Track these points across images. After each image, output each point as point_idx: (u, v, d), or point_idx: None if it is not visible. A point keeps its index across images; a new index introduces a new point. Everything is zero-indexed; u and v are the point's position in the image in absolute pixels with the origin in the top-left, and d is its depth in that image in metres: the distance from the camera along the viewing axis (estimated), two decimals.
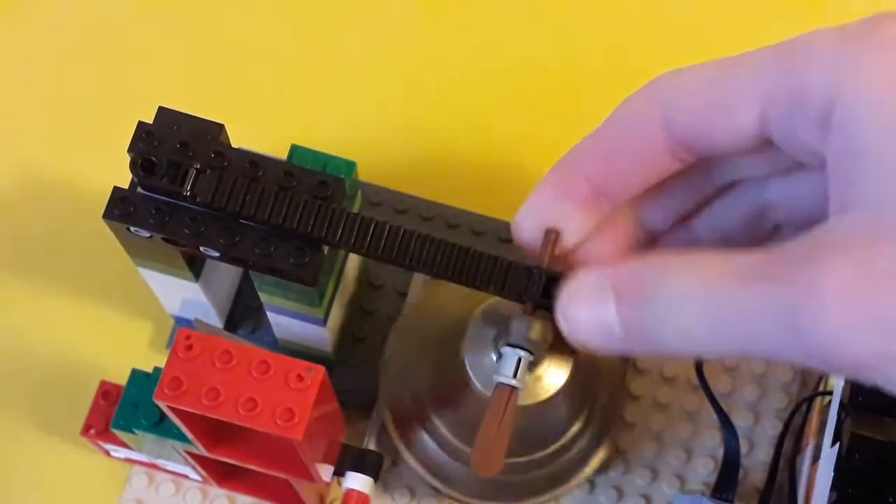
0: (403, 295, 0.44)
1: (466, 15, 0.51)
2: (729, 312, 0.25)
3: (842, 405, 0.37)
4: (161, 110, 0.35)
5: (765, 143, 0.27)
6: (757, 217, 0.31)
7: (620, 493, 0.43)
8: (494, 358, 0.35)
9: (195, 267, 0.38)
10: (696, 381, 0.43)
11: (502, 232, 0.45)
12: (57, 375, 0.45)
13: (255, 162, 0.34)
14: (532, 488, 0.40)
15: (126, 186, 0.34)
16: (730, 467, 0.41)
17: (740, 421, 0.43)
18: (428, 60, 0.50)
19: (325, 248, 0.34)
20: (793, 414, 0.43)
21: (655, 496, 0.43)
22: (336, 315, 0.41)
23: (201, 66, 0.50)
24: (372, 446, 0.40)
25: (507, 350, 0.31)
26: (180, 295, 0.41)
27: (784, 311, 0.24)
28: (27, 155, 0.48)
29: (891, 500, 0.35)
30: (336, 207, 0.33)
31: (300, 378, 0.33)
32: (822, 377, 0.42)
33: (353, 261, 0.42)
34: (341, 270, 0.40)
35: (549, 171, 0.29)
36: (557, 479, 0.41)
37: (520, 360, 0.31)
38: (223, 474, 0.41)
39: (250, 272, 0.35)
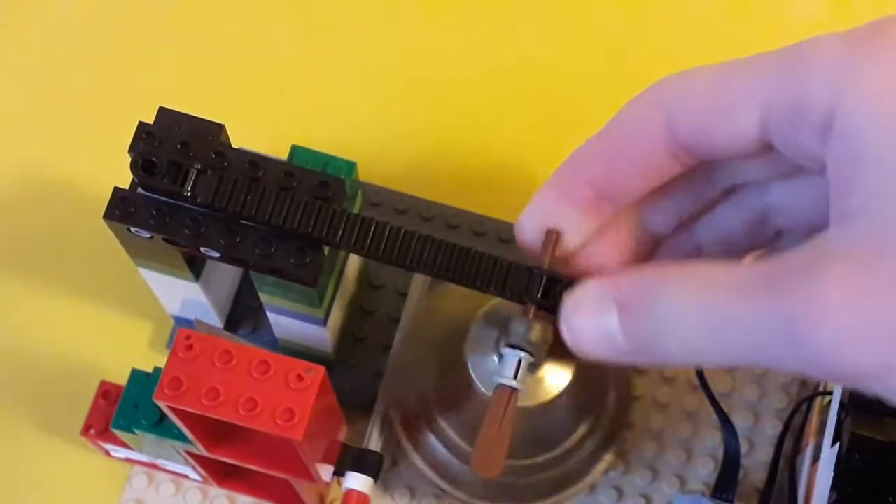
0: (403, 295, 0.44)
1: (466, 15, 0.51)
2: (729, 325, 0.25)
3: (842, 405, 0.37)
4: (161, 110, 0.35)
5: (766, 147, 0.27)
6: (758, 222, 0.31)
7: (620, 493, 0.43)
8: (496, 359, 0.35)
9: (195, 267, 0.38)
10: (696, 381, 0.43)
11: (502, 232, 0.45)
12: (57, 375, 0.45)
13: (255, 162, 0.34)
14: (538, 491, 0.40)
15: (126, 187, 0.34)
16: (730, 467, 0.41)
17: (740, 421, 0.43)
18: (428, 60, 0.50)
19: (326, 249, 0.34)
20: (793, 414, 0.43)
21: (655, 496, 0.43)
22: (336, 315, 0.41)
23: (201, 67, 0.50)
24: (372, 446, 0.40)
25: (507, 351, 0.31)
26: (180, 295, 0.41)
27: (784, 322, 0.24)
28: (27, 155, 0.48)
29: (891, 500, 0.35)
30: (337, 208, 0.33)
31: (300, 378, 0.33)
32: None
33: (354, 261, 0.42)
34: (341, 271, 0.40)
35: (552, 173, 0.29)
36: (563, 483, 0.41)
37: (520, 361, 0.31)
38: (223, 474, 0.41)
39: (250, 272, 0.35)
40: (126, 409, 0.37)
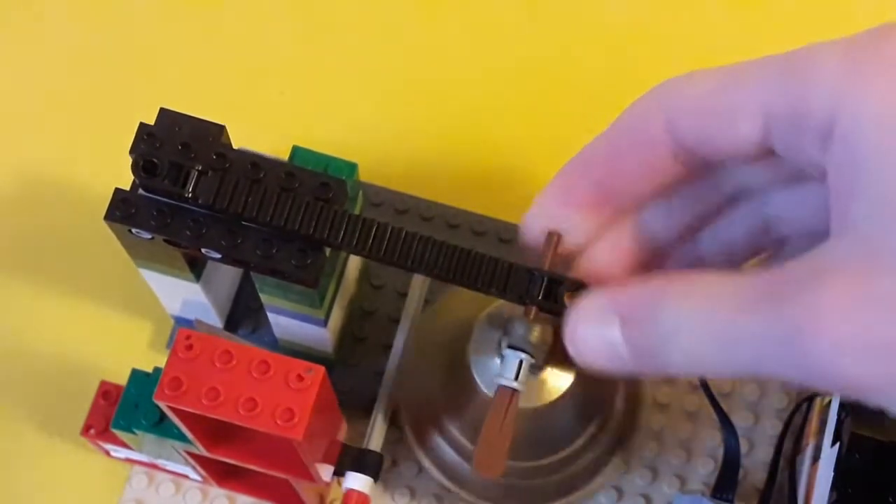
0: (403, 295, 0.44)
1: (467, 15, 0.51)
2: (731, 337, 0.25)
3: (842, 405, 0.37)
4: (162, 111, 0.35)
5: (767, 151, 0.27)
6: (761, 231, 0.31)
7: (620, 493, 0.43)
8: (499, 361, 0.35)
9: (196, 268, 0.38)
10: (696, 381, 0.43)
11: (503, 232, 0.45)
12: (57, 375, 0.45)
13: (256, 163, 0.34)
14: (545, 494, 0.40)
15: (127, 188, 0.34)
16: (730, 467, 0.41)
17: (740, 421, 0.43)
18: (428, 61, 0.50)
19: (327, 250, 0.34)
20: (793, 414, 0.43)
21: (655, 496, 0.43)
22: (337, 315, 0.41)
23: (202, 67, 0.50)
24: (373, 446, 0.40)
25: (508, 352, 0.31)
26: (181, 295, 0.41)
27: (785, 335, 0.24)
28: (28, 155, 0.48)
29: (891, 500, 0.35)
30: (338, 209, 0.33)
31: (300, 378, 0.33)
32: None
33: (354, 262, 0.42)
34: (342, 271, 0.40)
35: (555, 174, 0.29)
36: (571, 486, 0.40)
37: (521, 362, 0.31)
38: (223, 474, 0.41)
39: (251, 273, 0.35)
40: (126, 409, 0.37)
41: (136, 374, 0.37)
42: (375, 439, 0.41)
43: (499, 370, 0.32)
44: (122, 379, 0.38)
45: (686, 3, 0.51)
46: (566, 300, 0.30)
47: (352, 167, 0.39)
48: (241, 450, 0.37)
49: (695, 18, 0.51)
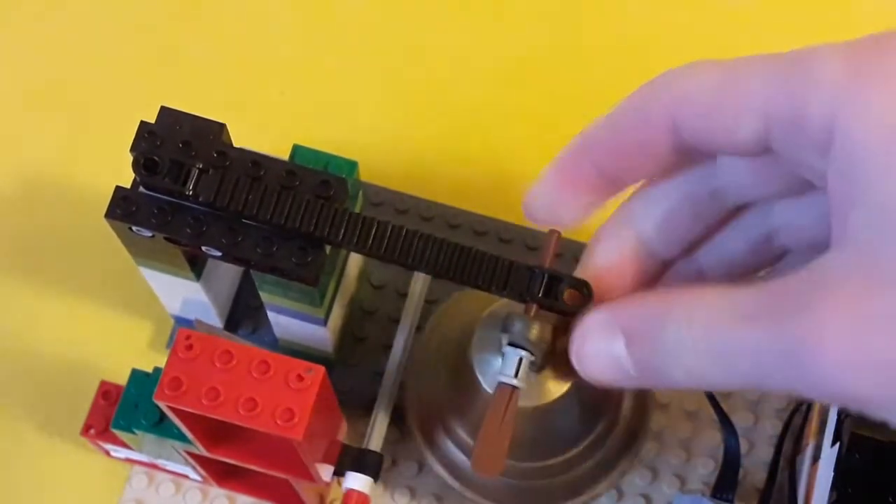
0: (404, 295, 0.44)
1: (467, 15, 0.51)
2: (733, 352, 0.26)
3: None
4: (163, 110, 0.35)
5: (767, 150, 0.27)
6: (763, 242, 0.31)
7: (620, 493, 0.43)
8: (501, 360, 0.35)
9: (197, 266, 0.38)
10: None
11: (503, 232, 0.45)
12: (57, 375, 0.45)
13: (257, 161, 0.34)
14: (552, 495, 0.40)
15: (128, 186, 0.34)
16: (730, 467, 0.41)
17: (740, 421, 0.43)
18: (429, 60, 0.50)
19: (327, 248, 0.34)
20: (793, 414, 0.43)
21: (655, 496, 0.43)
22: (337, 315, 0.41)
23: (202, 66, 0.50)
24: (373, 446, 0.40)
25: (508, 350, 0.31)
26: (181, 294, 0.41)
27: (786, 351, 0.25)
28: (28, 155, 0.48)
29: (891, 500, 0.35)
30: (338, 207, 0.33)
31: (300, 378, 0.33)
32: None
33: (355, 260, 0.42)
34: (342, 270, 0.40)
35: (558, 154, 0.30)
36: (579, 487, 0.40)
37: (520, 359, 0.31)
38: (223, 474, 0.41)
39: (251, 272, 0.36)
40: (126, 409, 0.37)
41: (136, 374, 0.37)
42: (375, 439, 0.41)
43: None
44: (122, 379, 0.38)
45: (687, 4, 0.51)
46: (566, 298, 0.30)
47: (352, 165, 0.39)
48: (241, 450, 0.37)
49: (696, 18, 0.51)
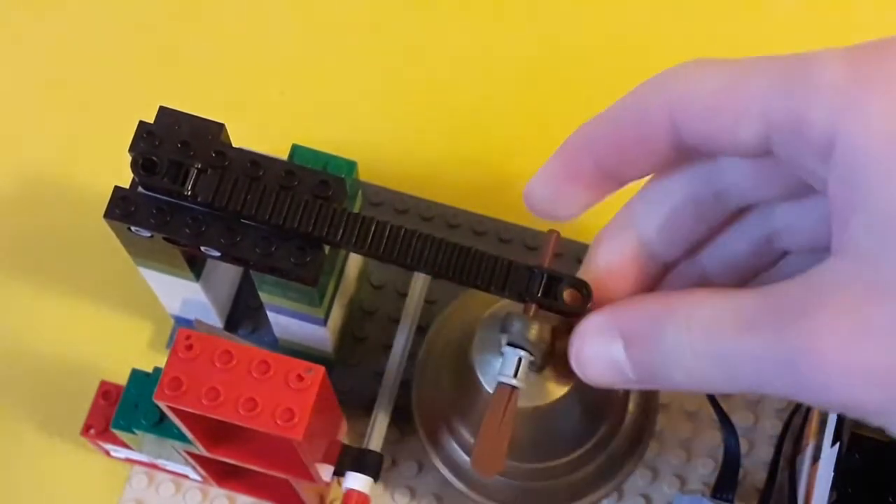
0: (404, 295, 0.44)
1: (467, 15, 0.51)
2: (732, 358, 0.26)
3: None
4: (162, 110, 0.35)
5: (768, 153, 0.27)
6: (765, 244, 0.31)
7: (620, 493, 0.43)
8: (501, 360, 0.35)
9: (196, 267, 0.38)
10: None
11: (503, 232, 0.45)
12: (57, 375, 0.45)
13: (256, 161, 0.34)
14: (557, 496, 0.40)
15: (127, 186, 0.34)
16: (730, 467, 0.41)
17: (740, 421, 0.43)
18: (428, 60, 0.50)
19: (326, 248, 0.34)
20: (793, 414, 0.43)
21: (655, 496, 0.43)
22: (336, 315, 0.41)
23: (201, 66, 0.50)
24: (373, 446, 0.40)
25: (507, 350, 0.31)
26: (181, 295, 0.41)
27: (786, 358, 0.25)
28: (27, 155, 0.48)
29: (891, 500, 0.35)
30: (337, 207, 0.33)
31: (300, 378, 0.33)
32: None
33: (354, 260, 0.42)
34: (342, 270, 0.40)
35: (559, 147, 0.30)
36: (584, 489, 0.40)
37: (520, 359, 0.31)
38: (223, 474, 0.41)
39: (251, 272, 0.35)
40: (126, 409, 0.37)
41: (136, 374, 0.37)
42: (375, 439, 0.41)
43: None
44: (122, 379, 0.38)
45: (687, 4, 0.51)
46: (566, 298, 0.30)
47: (351, 165, 0.39)
48: (241, 450, 0.37)
49: (696, 19, 0.51)
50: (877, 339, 0.24)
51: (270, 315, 0.40)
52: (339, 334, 0.43)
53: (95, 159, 0.48)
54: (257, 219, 0.33)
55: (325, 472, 0.38)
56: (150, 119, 0.35)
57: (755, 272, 0.32)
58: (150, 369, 0.37)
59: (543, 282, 0.31)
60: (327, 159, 0.38)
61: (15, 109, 0.49)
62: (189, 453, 0.38)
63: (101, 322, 0.46)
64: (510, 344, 0.31)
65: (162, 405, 0.33)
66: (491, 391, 0.35)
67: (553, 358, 0.32)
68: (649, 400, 0.41)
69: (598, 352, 0.29)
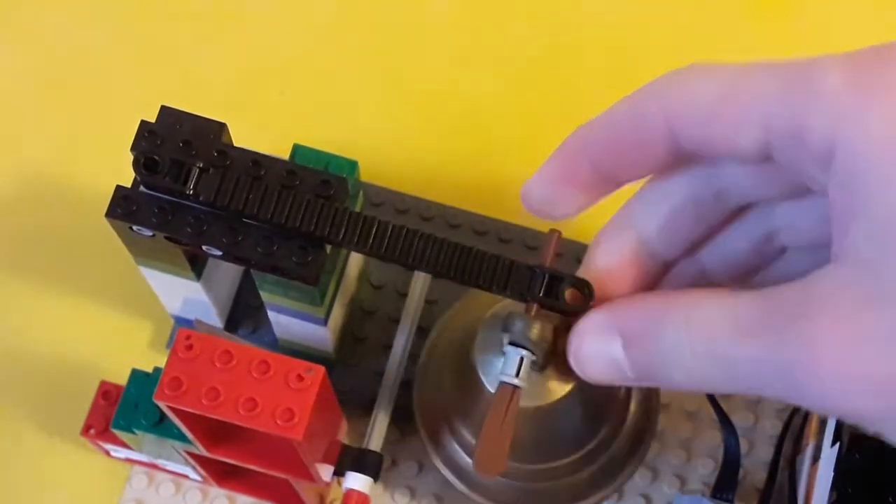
0: (404, 295, 0.44)
1: (467, 15, 0.51)
2: (731, 361, 0.26)
3: None
4: (163, 109, 0.35)
5: (768, 159, 0.27)
6: (764, 241, 0.31)
7: (621, 493, 0.43)
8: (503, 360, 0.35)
9: (197, 266, 0.38)
10: None
11: (503, 232, 0.45)
12: (57, 375, 0.45)
13: (257, 161, 0.34)
14: (558, 497, 0.40)
15: (128, 185, 0.34)
16: (730, 467, 0.41)
17: (740, 421, 0.43)
18: (428, 60, 0.50)
19: (328, 247, 0.34)
20: (793, 414, 0.43)
21: (655, 496, 0.43)
22: (337, 315, 0.41)
23: (203, 66, 0.50)
24: (373, 446, 0.40)
25: (509, 349, 0.31)
26: (182, 294, 0.41)
27: (784, 364, 0.25)
28: (28, 154, 0.48)
29: (891, 500, 0.35)
30: (339, 206, 0.33)
31: (300, 378, 0.33)
32: None
33: (355, 260, 0.42)
34: (343, 270, 0.40)
35: (556, 148, 0.30)
36: (584, 491, 0.40)
37: (522, 359, 0.31)
38: (223, 474, 0.41)
39: (252, 271, 0.35)
40: (126, 409, 0.37)
41: (136, 374, 0.37)
42: (376, 439, 0.41)
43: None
44: (122, 379, 0.38)
45: (686, 4, 0.51)
46: (567, 298, 0.30)
47: (352, 165, 0.39)
48: (241, 450, 0.37)
49: (694, 19, 0.51)
50: (874, 347, 0.24)
51: (271, 315, 0.40)
52: (340, 334, 0.43)
53: (96, 159, 0.48)
54: (259, 218, 0.33)
55: (325, 472, 0.38)
56: (152, 118, 0.35)
57: (755, 269, 0.32)
58: (150, 369, 0.37)
59: (545, 281, 0.31)
60: (329, 159, 0.38)
61: (15, 109, 0.49)
62: (189, 453, 0.38)
63: (101, 322, 0.46)
64: (512, 343, 0.31)
65: (162, 405, 0.33)
66: (493, 391, 0.35)
67: (555, 357, 0.32)
68: (651, 400, 0.41)
69: (597, 350, 0.29)
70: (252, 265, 0.34)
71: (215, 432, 0.36)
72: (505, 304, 0.35)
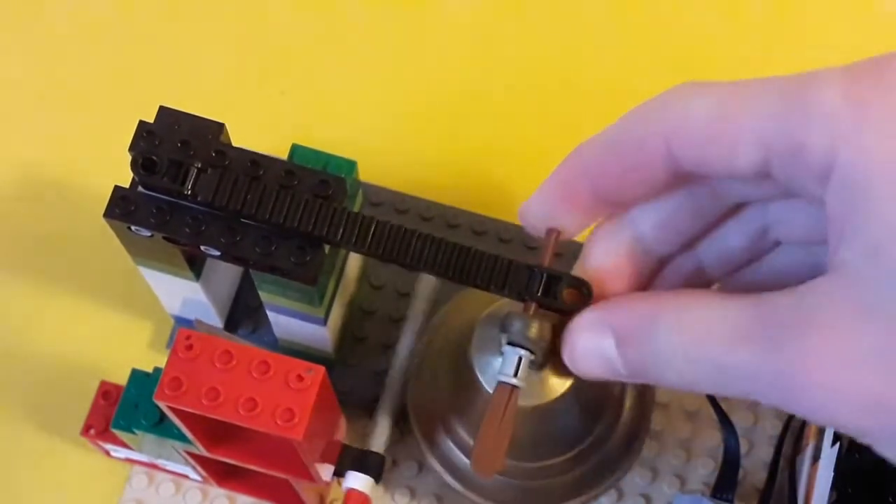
0: (404, 295, 0.44)
1: (466, 16, 0.51)
2: (724, 367, 0.26)
3: None
4: (162, 109, 0.35)
5: (766, 176, 0.27)
6: (760, 236, 0.31)
7: (620, 493, 0.43)
8: (501, 360, 0.35)
9: (196, 266, 0.38)
10: None
11: (503, 232, 0.45)
12: (57, 375, 0.45)
13: (256, 161, 0.34)
14: (553, 495, 0.40)
15: (127, 185, 0.34)
16: (730, 467, 0.41)
17: (740, 421, 0.43)
18: (428, 60, 0.50)
19: (326, 247, 0.34)
20: (792, 414, 0.43)
21: (655, 496, 0.43)
22: (336, 315, 0.41)
23: (202, 66, 0.50)
24: (376, 448, 0.40)
25: (507, 349, 0.31)
26: (181, 294, 0.41)
27: (777, 376, 0.25)
28: (27, 155, 0.48)
29: (891, 500, 0.35)
30: (337, 206, 0.33)
31: (300, 378, 0.33)
32: None
33: (354, 260, 0.42)
34: (342, 270, 0.40)
35: (554, 169, 0.30)
36: (580, 488, 0.40)
37: (520, 358, 0.31)
38: (223, 474, 0.41)
39: (251, 271, 0.35)
40: (126, 409, 0.37)
41: (136, 374, 0.37)
42: (379, 440, 0.41)
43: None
44: (122, 379, 0.38)
45: (681, 7, 0.51)
46: (565, 297, 0.30)
47: (351, 165, 0.39)
48: (241, 450, 0.37)
49: (691, 22, 0.51)
50: (866, 363, 0.24)
51: (270, 315, 0.40)
52: (339, 334, 0.43)
53: (95, 159, 0.48)
54: (257, 218, 0.33)
55: (325, 472, 0.38)
56: (150, 119, 0.35)
57: (749, 262, 0.32)
58: (150, 369, 0.37)
59: (543, 281, 0.31)
60: (327, 159, 0.38)
61: (15, 109, 0.49)
62: (189, 453, 0.38)
63: (102, 322, 0.46)
64: (510, 343, 0.31)
65: (162, 405, 0.33)
66: (490, 391, 0.35)
67: (553, 357, 0.32)
68: (644, 398, 0.41)
69: (590, 347, 0.29)
70: (250, 265, 0.34)
71: (215, 432, 0.36)
72: (501, 303, 0.35)
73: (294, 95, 0.50)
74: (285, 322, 0.39)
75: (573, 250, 0.43)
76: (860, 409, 0.24)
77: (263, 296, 0.38)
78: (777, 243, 0.31)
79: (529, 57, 0.50)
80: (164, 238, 0.34)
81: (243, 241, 0.33)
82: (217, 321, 0.43)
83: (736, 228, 0.31)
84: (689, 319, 0.27)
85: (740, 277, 0.32)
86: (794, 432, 0.42)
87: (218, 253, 0.34)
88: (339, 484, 0.39)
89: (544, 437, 0.38)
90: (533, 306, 0.31)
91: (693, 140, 0.27)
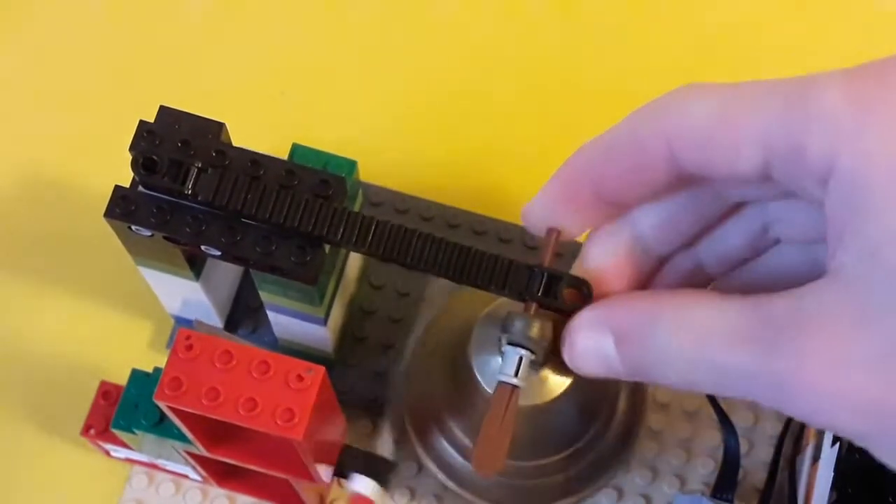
0: (404, 295, 0.44)
1: (466, 14, 0.51)
2: (722, 369, 0.26)
3: None
4: (162, 109, 0.35)
5: (767, 178, 0.27)
6: (759, 234, 0.31)
7: (620, 493, 0.43)
8: (500, 359, 0.35)
9: (196, 266, 0.38)
10: None
11: (503, 232, 0.45)
12: (57, 375, 0.45)
13: (256, 160, 0.34)
14: (548, 494, 0.40)
15: (127, 185, 0.34)
16: (730, 467, 0.41)
17: (740, 421, 0.43)
18: (428, 60, 0.50)
19: (326, 247, 0.34)
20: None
21: (655, 496, 0.43)
22: (336, 315, 0.41)
23: (202, 66, 0.50)
24: (386, 452, 0.40)
25: (508, 349, 0.31)
26: (181, 294, 0.41)
27: (774, 379, 0.25)
28: (27, 155, 0.48)
29: (891, 500, 0.35)
30: (337, 206, 0.33)
31: (300, 378, 0.33)
32: None
33: (354, 260, 0.42)
34: (342, 270, 0.40)
35: (556, 171, 0.30)
36: (575, 486, 0.40)
37: (521, 358, 0.31)
38: (223, 474, 0.41)
39: (251, 271, 0.35)
40: (126, 409, 0.37)
41: (136, 374, 0.37)
42: (388, 444, 0.41)
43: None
44: (122, 379, 0.38)
45: (682, 9, 0.51)
46: (566, 297, 0.30)
47: (351, 165, 0.39)
48: (241, 450, 0.37)
49: (692, 24, 0.51)
50: (863, 368, 0.24)
51: (270, 315, 0.40)
52: (339, 334, 0.43)
53: (95, 159, 0.48)
54: (257, 218, 0.33)
55: (325, 472, 0.38)
56: (151, 118, 0.35)
57: (748, 260, 0.32)
58: (150, 369, 0.37)
59: (543, 281, 0.31)
60: (327, 159, 0.38)
61: (15, 109, 0.49)
62: (189, 453, 0.38)
63: (101, 322, 0.46)
64: (511, 343, 0.31)
65: (162, 405, 0.33)
66: (490, 391, 0.35)
67: (553, 356, 0.32)
68: (638, 396, 0.41)
69: (590, 346, 0.29)
70: (251, 265, 0.34)
71: (215, 432, 0.36)
72: (499, 303, 0.35)
73: (294, 95, 0.50)
74: (285, 322, 0.39)
75: (573, 250, 0.43)
76: (857, 413, 0.25)
77: (264, 296, 0.38)
78: (776, 241, 0.31)
79: (529, 57, 0.50)
80: (165, 238, 0.34)
81: (243, 241, 0.33)
82: (217, 321, 0.43)
83: (736, 227, 0.31)
84: (688, 320, 0.27)
85: (739, 275, 0.32)
86: (794, 432, 0.42)
87: (218, 253, 0.34)
88: (340, 484, 0.39)
89: (541, 436, 0.38)
90: (533, 306, 0.31)
91: (694, 142, 0.27)
